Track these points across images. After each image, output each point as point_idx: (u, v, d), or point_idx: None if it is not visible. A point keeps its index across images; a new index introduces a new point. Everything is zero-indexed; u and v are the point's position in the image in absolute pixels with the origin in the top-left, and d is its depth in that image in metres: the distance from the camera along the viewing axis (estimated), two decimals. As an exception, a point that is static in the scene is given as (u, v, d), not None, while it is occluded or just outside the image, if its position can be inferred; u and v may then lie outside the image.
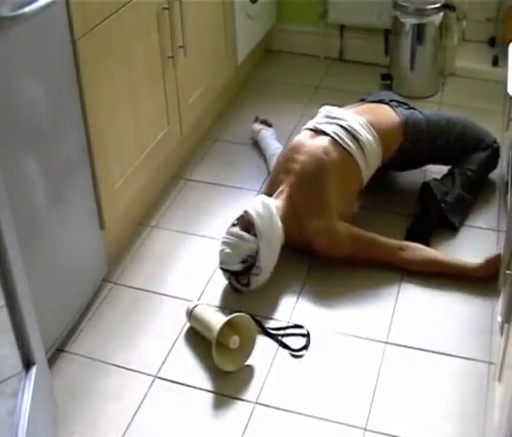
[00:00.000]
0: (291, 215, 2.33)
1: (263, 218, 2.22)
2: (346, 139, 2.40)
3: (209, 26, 2.89)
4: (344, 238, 2.30)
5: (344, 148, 2.39)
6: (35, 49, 1.80)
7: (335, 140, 2.40)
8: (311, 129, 2.49)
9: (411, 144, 2.53)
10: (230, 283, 2.27)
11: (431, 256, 2.32)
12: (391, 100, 2.65)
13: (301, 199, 2.34)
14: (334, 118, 2.48)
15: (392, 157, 2.53)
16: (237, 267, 2.20)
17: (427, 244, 2.37)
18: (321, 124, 2.48)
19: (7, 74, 1.71)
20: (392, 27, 3.36)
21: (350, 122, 2.45)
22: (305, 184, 2.35)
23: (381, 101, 2.64)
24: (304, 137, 2.47)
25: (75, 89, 2.01)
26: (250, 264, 2.20)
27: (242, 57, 3.27)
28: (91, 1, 2.03)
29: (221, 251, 2.22)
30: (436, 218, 2.47)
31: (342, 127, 2.44)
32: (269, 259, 2.23)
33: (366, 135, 2.43)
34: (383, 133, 2.48)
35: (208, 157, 2.96)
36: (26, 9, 1.68)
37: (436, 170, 2.68)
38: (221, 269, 2.26)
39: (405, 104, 2.66)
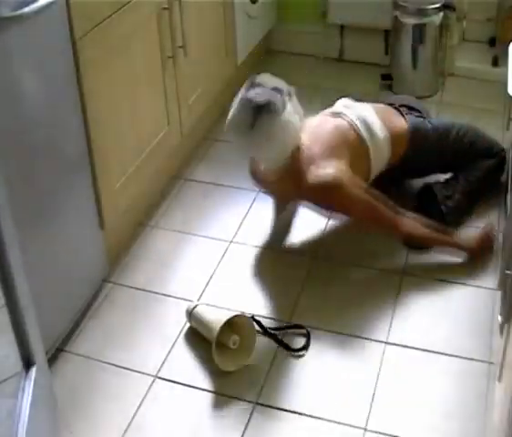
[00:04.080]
0: (301, 163, 2.29)
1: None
2: (361, 128, 2.41)
3: (209, 26, 2.89)
4: (352, 179, 2.28)
5: (360, 135, 2.40)
6: (35, 49, 1.80)
7: (352, 125, 2.41)
8: (329, 114, 2.51)
9: (414, 153, 2.51)
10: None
11: (426, 223, 2.32)
12: (401, 105, 2.65)
13: (315, 146, 2.33)
14: (352, 108, 2.50)
15: (397, 162, 2.52)
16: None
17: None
18: (339, 110, 2.49)
19: (7, 74, 1.71)
20: (392, 27, 3.37)
21: (366, 115, 2.46)
22: (321, 136, 2.35)
23: (391, 105, 2.65)
24: (323, 116, 2.49)
25: (75, 89, 2.01)
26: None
27: (242, 57, 3.26)
28: (91, 1, 2.03)
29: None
30: (436, 219, 2.46)
31: (358, 116, 2.44)
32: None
33: (379, 131, 2.44)
34: (392, 135, 2.47)
35: (208, 157, 2.97)
36: (26, 9, 1.68)
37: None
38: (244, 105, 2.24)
39: (417, 110, 2.66)
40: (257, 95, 2.19)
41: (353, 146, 2.38)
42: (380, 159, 2.45)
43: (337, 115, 2.46)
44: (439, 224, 2.36)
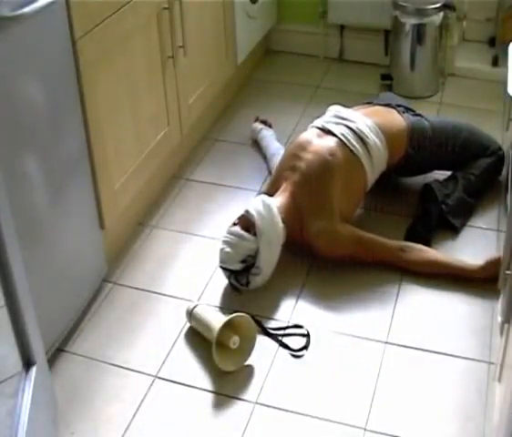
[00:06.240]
0: (293, 214, 2.32)
1: (264, 218, 2.22)
2: (353, 141, 2.40)
3: (209, 26, 2.89)
4: (345, 239, 2.30)
5: (351, 150, 2.39)
6: (36, 49, 1.80)
7: (342, 141, 2.40)
8: (318, 128, 2.49)
9: (416, 150, 2.52)
10: (229, 282, 2.28)
11: (432, 257, 2.32)
12: (398, 105, 2.65)
13: (304, 198, 2.34)
14: (343, 119, 2.48)
15: (397, 162, 2.53)
16: (237, 266, 2.20)
17: (427, 245, 2.37)
18: (328, 123, 2.48)
19: (7, 74, 1.71)
20: (392, 27, 3.36)
21: (358, 124, 2.45)
22: (309, 183, 2.35)
23: (388, 105, 2.65)
24: (311, 136, 2.46)
25: (75, 89, 2.01)
26: (249, 264, 2.20)
27: (242, 57, 3.27)
28: (91, 1, 2.03)
29: (221, 250, 2.23)
30: (437, 219, 2.47)
31: (349, 128, 2.43)
32: (269, 259, 2.23)
33: (373, 138, 2.43)
34: (389, 137, 2.48)
35: (208, 157, 2.97)
36: (26, 9, 1.68)
37: (438, 172, 2.67)
38: (221, 267, 2.26)
39: (412, 110, 2.66)
40: (228, 258, 2.21)
41: (344, 161, 2.36)
42: (376, 164, 2.45)
43: (326, 132, 2.45)
44: (444, 253, 2.36)
